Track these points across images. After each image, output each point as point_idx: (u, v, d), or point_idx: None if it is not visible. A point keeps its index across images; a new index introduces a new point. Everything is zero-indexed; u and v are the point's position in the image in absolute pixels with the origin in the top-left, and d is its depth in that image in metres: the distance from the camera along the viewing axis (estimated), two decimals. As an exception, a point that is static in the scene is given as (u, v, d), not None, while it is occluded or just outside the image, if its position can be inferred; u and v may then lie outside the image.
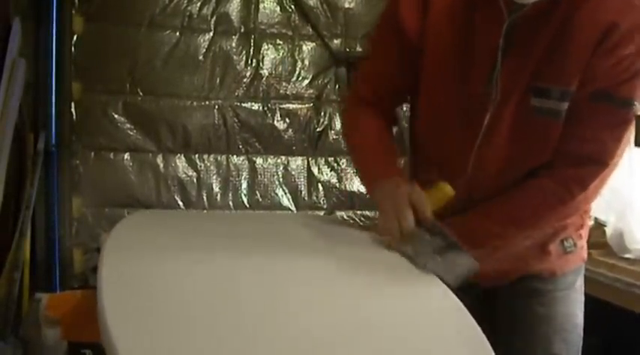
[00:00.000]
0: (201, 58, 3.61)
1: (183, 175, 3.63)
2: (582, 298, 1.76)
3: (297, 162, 3.76)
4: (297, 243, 1.43)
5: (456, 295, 1.22)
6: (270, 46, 3.71)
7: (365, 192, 3.76)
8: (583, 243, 1.73)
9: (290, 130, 3.73)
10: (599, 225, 2.82)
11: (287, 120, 3.73)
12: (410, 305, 1.18)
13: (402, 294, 1.22)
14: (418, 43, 1.54)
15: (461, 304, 1.20)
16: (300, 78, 3.73)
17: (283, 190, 3.75)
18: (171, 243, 1.35)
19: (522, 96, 1.46)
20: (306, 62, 3.73)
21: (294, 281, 1.20)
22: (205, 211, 3.58)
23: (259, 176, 3.72)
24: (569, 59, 1.42)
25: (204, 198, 3.65)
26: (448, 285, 1.23)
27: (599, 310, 2.73)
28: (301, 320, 1.07)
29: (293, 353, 0.98)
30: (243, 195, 3.70)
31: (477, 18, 1.47)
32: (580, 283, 1.75)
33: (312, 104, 3.75)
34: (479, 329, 1.12)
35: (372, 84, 1.68)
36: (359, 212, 3.82)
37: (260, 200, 3.72)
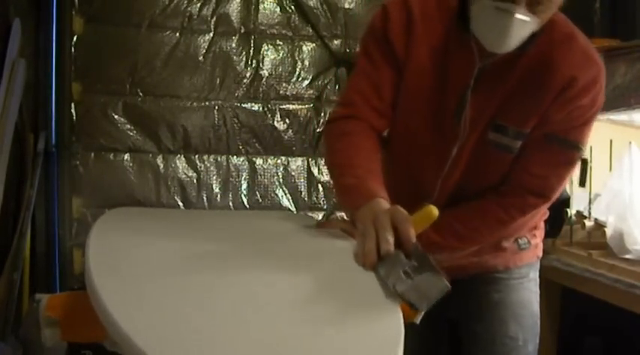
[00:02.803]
0: (201, 58, 3.61)
1: (184, 176, 3.63)
2: (537, 290, 1.90)
3: (297, 163, 3.76)
4: (265, 237, 1.57)
5: None
6: (270, 46, 3.71)
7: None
8: (537, 242, 1.89)
9: (290, 131, 3.74)
10: (600, 226, 2.83)
11: (287, 120, 3.73)
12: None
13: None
14: (402, 66, 1.64)
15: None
16: (300, 78, 3.73)
17: (283, 191, 3.75)
18: (147, 227, 1.56)
19: (482, 130, 1.62)
20: (306, 63, 3.74)
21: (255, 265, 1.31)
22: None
23: (259, 177, 3.73)
24: (529, 104, 1.58)
25: (204, 198, 3.65)
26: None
27: (600, 310, 2.74)
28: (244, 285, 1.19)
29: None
30: (243, 195, 3.70)
31: (453, 57, 1.61)
32: (534, 276, 1.90)
33: (312, 105, 3.75)
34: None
35: (368, 99, 1.66)
36: (359, 212, 3.81)
37: (260, 200, 3.72)
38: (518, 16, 1.44)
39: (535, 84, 1.57)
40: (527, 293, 1.86)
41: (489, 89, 1.59)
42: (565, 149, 1.61)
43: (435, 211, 1.36)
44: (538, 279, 1.92)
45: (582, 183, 2.87)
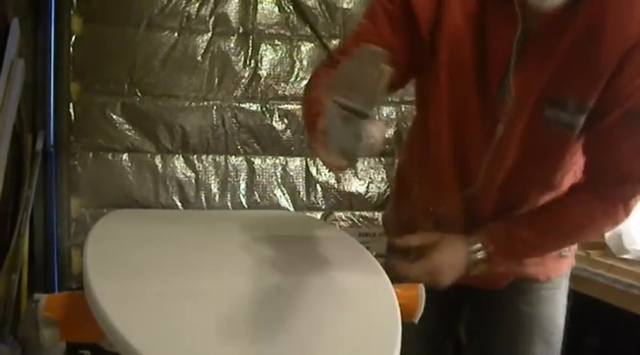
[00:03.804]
0: (199, 58, 3.61)
1: (182, 176, 3.63)
2: (565, 301, 1.74)
3: (295, 163, 3.76)
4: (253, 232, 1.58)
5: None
6: (269, 46, 3.71)
7: (363, 193, 3.78)
8: (575, 248, 1.73)
9: (288, 131, 3.74)
10: (598, 226, 2.82)
11: (285, 120, 3.73)
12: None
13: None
14: (430, 36, 1.42)
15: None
16: (299, 78, 3.73)
17: (282, 191, 3.75)
18: (145, 229, 1.59)
19: (536, 106, 1.40)
20: (305, 63, 3.73)
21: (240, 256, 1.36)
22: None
23: (258, 176, 3.73)
24: (590, 71, 1.35)
25: (203, 198, 3.65)
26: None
27: (598, 311, 2.74)
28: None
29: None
30: (241, 195, 3.70)
31: (491, 20, 1.38)
32: (565, 286, 1.74)
33: (310, 105, 3.74)
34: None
35: (368, 35, 1.44)
36: (357, 212, 3.82)
37: (258, 200, 3.72)
38: None
39: (592, 48, 1.33)
40: (557, 306, 1.70)
41: (538, 58, 1.37)
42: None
43: None
44: (568, 287, 1.76)
45: None
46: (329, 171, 3.70)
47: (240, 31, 3.66)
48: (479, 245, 1.45)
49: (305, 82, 3.70)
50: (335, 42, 3.73)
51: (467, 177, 1.51)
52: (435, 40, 1.43)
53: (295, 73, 3.73)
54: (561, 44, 1.35)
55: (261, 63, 3.69)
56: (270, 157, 3.74)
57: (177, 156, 3.63)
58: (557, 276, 1.68)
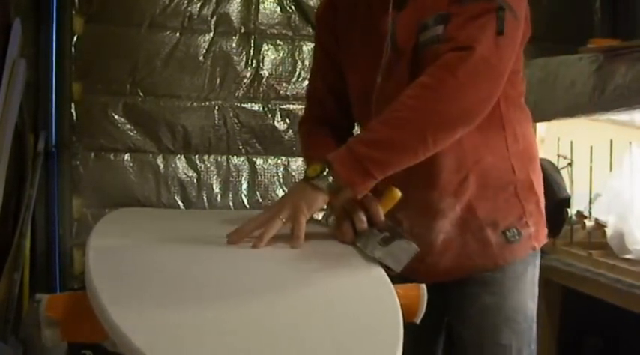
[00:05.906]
0: (201, 58, 3.61)
1: (184, 176, 3.64)
2: (535, 289, 1.75)
3: (297, 163, 3.76)
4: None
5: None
6: (271, 46, 3.71)
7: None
8: (531, 232, 1.69)
9: (290, 131, 3.74)
10: (600, 226, 2.83)
11: (287, 120, 3.74)
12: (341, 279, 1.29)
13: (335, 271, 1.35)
14: (336, 42, 1.76)
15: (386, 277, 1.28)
16: (301, 78, 3.73)
17: (283, 191, 3.75)
18: (148, 228, 1.61)
19: (414, 45, 1.55)
20: (307, 63, 3.74)
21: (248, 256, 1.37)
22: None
23: (259, 177, 3.73)
24: None
25: (205, 198, 3.66)
26: (391, 270, 1.34)
27: (600, 310, 2.75)
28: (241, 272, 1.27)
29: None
30: (243, 195, 3.71)
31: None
32: (532, 273, 1.73)
33: (312, 105, 3.75)
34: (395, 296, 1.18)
35: (312, 102, 1.92)
36: (359, 212, 3.82)
37: (260, 201, 3.72)
38: None
39: None
40: (522, 295, 1.71)
41: (413, 5, 1.56)
42: (473, 4, 1.46)
43: (397, 193, 1.48)
44: (537, 274, 1.75)
45: None
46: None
47: (242, 31, 3.66)
48: (317, 165, 1.43)
49: (307, 83, 3.71)
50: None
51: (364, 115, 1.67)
52: (338, 43, 1.76)
53: (297, 73, 3.73)
54: None
55: (262, 63, 3.70)
56: (272, 157, 3.75)
57: (179, 156, 3.63)
58: (508, 263, 1.68)
